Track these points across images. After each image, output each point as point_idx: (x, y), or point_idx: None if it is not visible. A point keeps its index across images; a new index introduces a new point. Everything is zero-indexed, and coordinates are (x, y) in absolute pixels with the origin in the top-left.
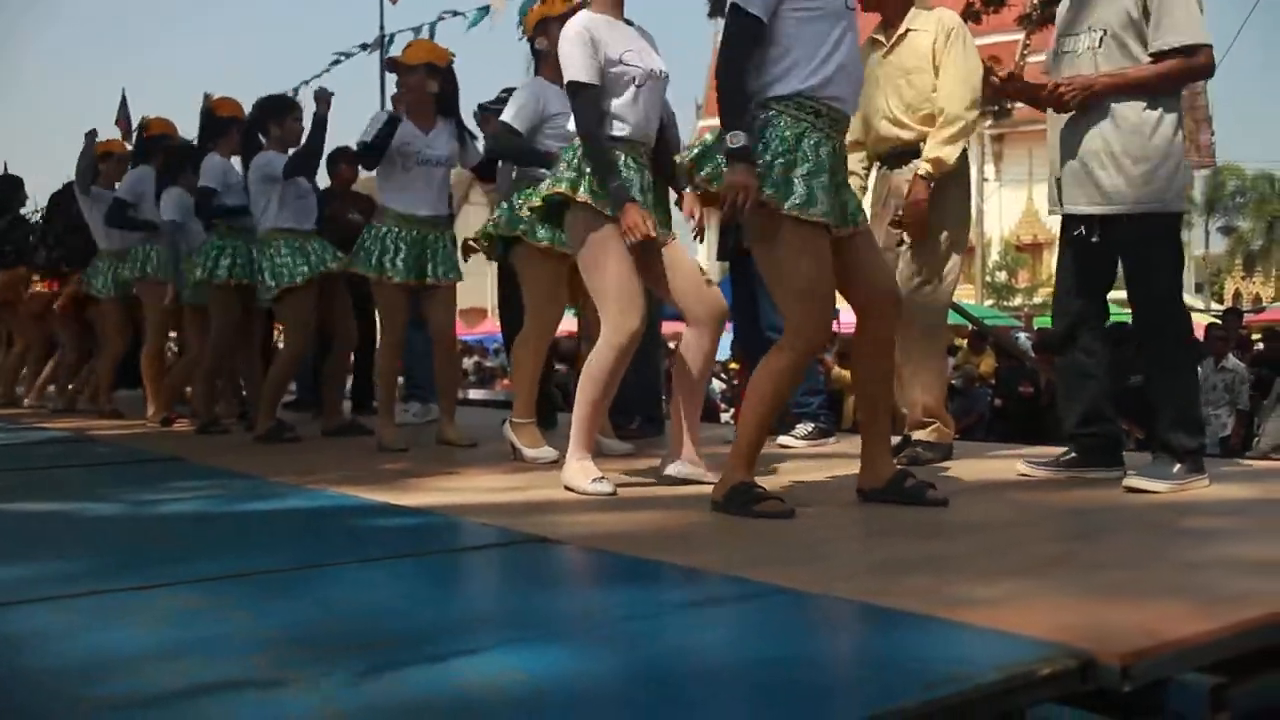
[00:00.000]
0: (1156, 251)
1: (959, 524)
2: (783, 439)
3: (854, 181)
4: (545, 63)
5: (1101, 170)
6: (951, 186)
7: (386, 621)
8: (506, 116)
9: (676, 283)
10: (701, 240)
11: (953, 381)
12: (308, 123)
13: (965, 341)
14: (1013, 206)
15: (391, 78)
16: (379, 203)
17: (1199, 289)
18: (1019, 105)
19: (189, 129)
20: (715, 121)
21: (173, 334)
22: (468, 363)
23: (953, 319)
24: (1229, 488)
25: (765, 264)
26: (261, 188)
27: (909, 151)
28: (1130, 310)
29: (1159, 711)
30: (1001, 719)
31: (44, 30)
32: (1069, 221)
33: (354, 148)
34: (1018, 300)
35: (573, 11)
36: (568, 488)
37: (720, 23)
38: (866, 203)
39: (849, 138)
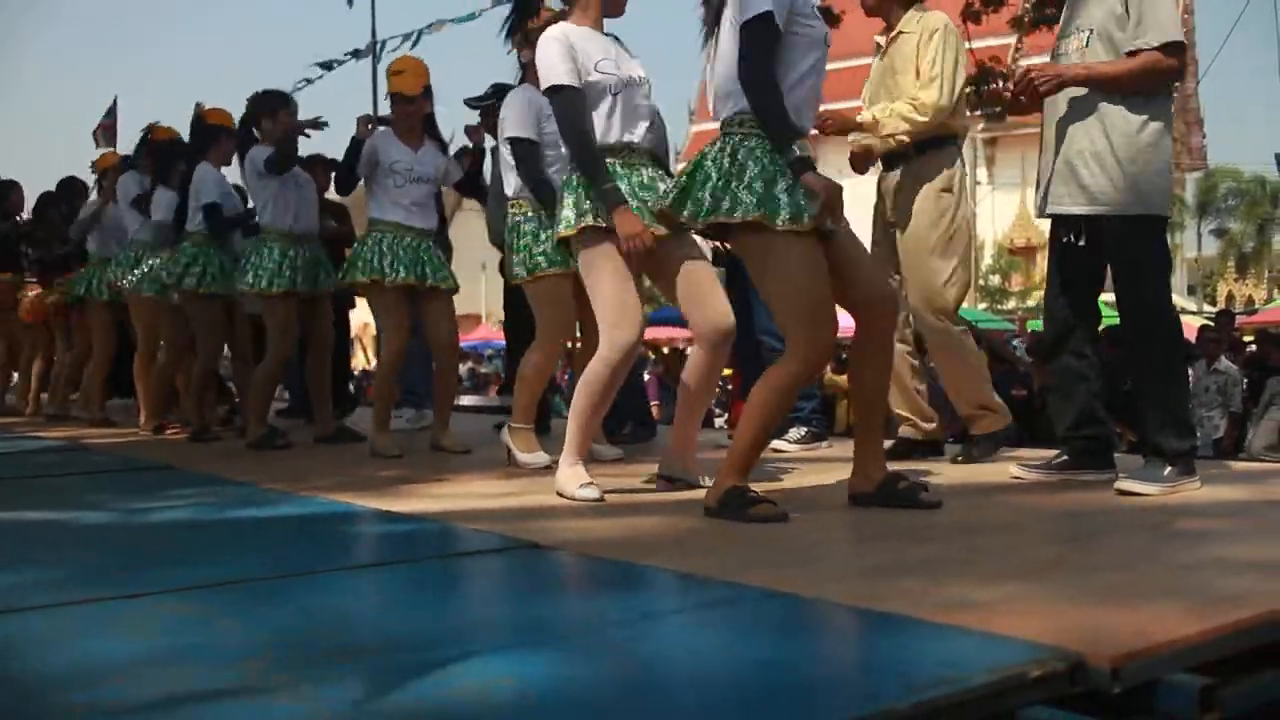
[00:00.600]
0: (1143, 254)
1: (951, 527)
2: (776, 443)
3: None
4: (530, 74)
5: (1086, 170)
6: (928, 189)
7: (378, 628)
8: (514, 132)
9: (685, 290)
10: None
11: (939, 383)
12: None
13: None
14: (1005, 210)
15: (383, 84)
16: (370, 216)
17: (1191, 291)
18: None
19: (187, 130)
20: (707, 126)
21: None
22: (461, 369)
23: None
24: (1221, 489)
25: (765, 284)
26: (260, 183)
27: (901, 153)
28: (1118, 313)
29: (1150, 712)
30: None
31: (44, 30)
32: (1057, 224)
33: (325, 156)
34: (1011, 304)
35: (552, 22)
36: (560, 494)
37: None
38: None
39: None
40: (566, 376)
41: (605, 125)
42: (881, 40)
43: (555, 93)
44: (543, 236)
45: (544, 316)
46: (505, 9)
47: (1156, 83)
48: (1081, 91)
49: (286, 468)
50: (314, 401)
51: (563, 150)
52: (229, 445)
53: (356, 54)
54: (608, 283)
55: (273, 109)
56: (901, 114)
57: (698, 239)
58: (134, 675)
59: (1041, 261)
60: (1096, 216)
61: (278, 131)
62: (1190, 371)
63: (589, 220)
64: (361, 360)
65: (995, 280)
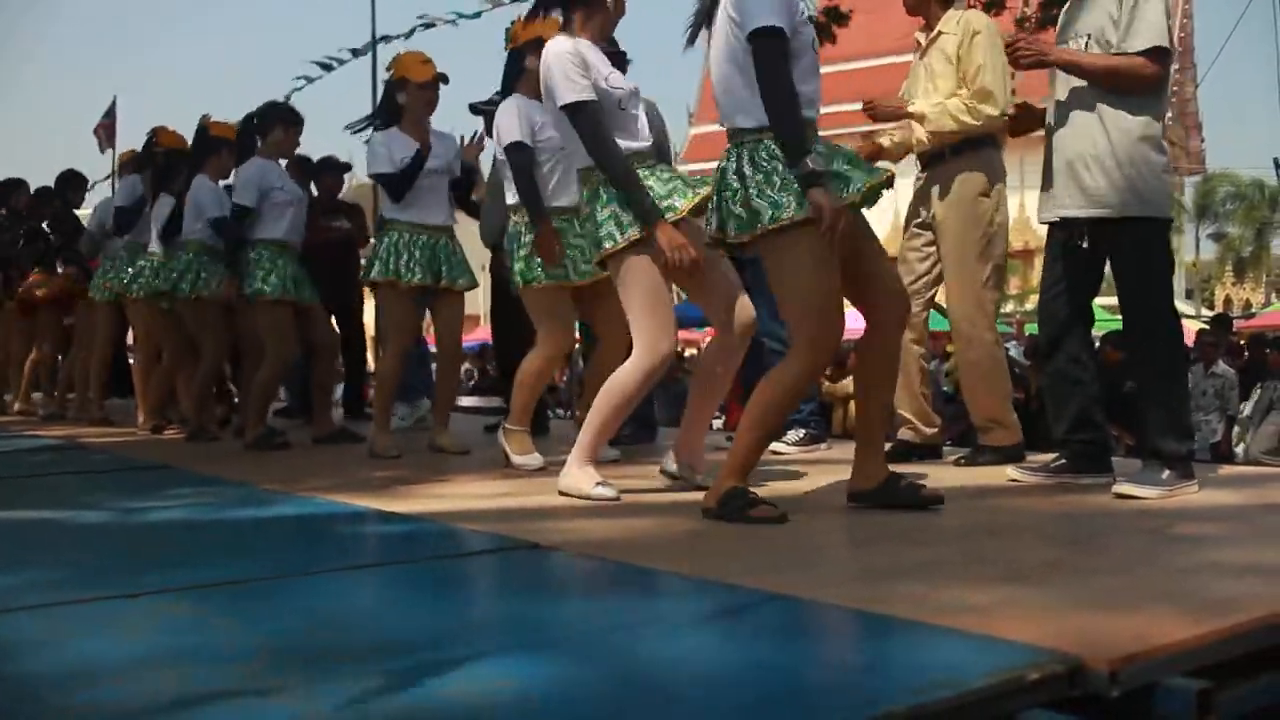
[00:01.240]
0: (1146, 257)
1: (950, 530)
2: (775, 445)
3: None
4: (526, 80)
5: (1087, 173)
6: (966, 192)
7: (376, 629)
8: (512, 137)
9: (722, 288)
10: None
11: (944, 388)
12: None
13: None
14: None
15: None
16: (383, 215)
17: (1190, 295)
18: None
19: (187, 131)
20: (707, 129)
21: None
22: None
23: (943, 324)
24: (1219, 493)
25: (778, 278)
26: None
27: (938, 154)
28: (1121, 316)
29: (1147, 716)
30: None
31: (44, 30)
32: (1055, 228)
33: (338, 159)
34: (1009, 306)
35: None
36: (564, 493)
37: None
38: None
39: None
40: (564, 379)
41: (619, 136)
42: (921, 39)
43: (579, 109)
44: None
45: (542, 326)
46: (505, 10)
47: (1136, 85)
48: (1082, 94)
49: (285, 468)
50: (315, 402)
51: (553, 160)
52: (227, 445)
53: (355, 53)
54: (650, 294)
55: (288, 122)
56: (953, 113)
57: None
58: (131, 676)
59: (1039, 265)
60: (1099, 220)
61: (285, 148)
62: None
63: (632, 232)
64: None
65: None
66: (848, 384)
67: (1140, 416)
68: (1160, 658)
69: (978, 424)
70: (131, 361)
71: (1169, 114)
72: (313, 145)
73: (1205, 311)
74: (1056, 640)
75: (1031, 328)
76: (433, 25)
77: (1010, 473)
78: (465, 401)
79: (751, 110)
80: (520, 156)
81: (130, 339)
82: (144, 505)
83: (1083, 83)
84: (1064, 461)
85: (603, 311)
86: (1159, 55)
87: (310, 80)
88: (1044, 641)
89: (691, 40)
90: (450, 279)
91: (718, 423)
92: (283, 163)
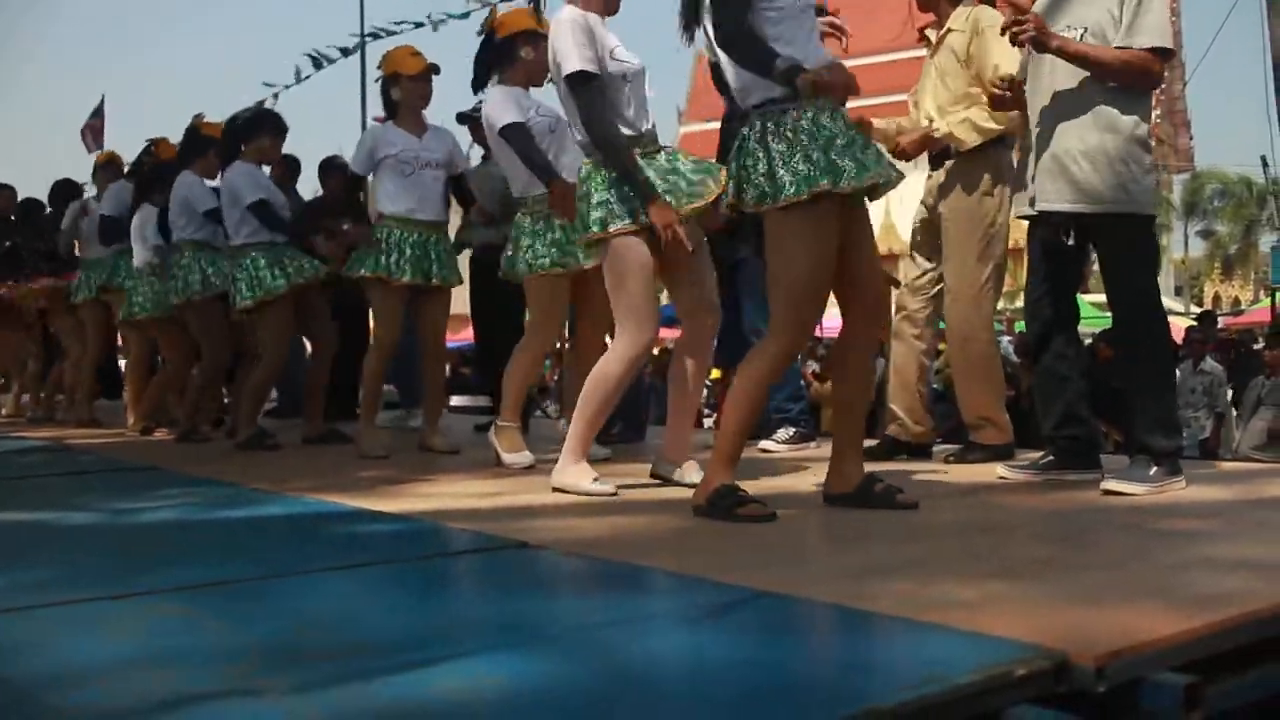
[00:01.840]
0: (1134, 250)
1: (938, 527)
2: (764, 443)
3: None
4: (518, 69)
5: (1077, 168)
6: (971, 191)
7: (365, 628)
8: (508, 118)
9: (695, 268)
10: None
11: (934, 385)
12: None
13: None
14: None
15: (373, 85)
16: (377, 209)
17: (1179, 292)
18: None
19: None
20: (696, 128)
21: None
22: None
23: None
24: (1206, 489)
25: (772, 257)
26: (235, 201)
27: (945, 152)
28: (1109, 312)
29: (1134, 711)
30: None
31: (44, 30)
32: (1036, 226)
33: (343, 159)
34: (1000, 304)
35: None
36: (558, 490)
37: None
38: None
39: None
40: (555, 378)
41: (624, 113)
42: (932, 36)
43: (582, 80)
44: (548, 236)
45: (539, 314)
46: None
47: (1139, 81)
48: (1070, 88)
49: (274, 468)
50: (307, 402)
51: (544, 143)
52: (216, 446)
53: (345, 52)
54: (635, 282)
55: (276, 131)
56: (975, 124)
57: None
58: (120, 677)
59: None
60: (1087, 214)
61: (269, 155)
62: (1176, 372)
63: (622, 224)
64: None
65: None
66: None
67: (1128, 413)
68: (1147, 653)
69: (969, 422)
70: (122, 364)
71: (1156, 112)
72: (318, 145)
73: (1194, 308)
74: (1043, 636)
75: (1021, 325)
76: (421, 25)
77: (1000, 471)
78: (454, 401)
79: (761, 86)
80: (519, 132)
81: (120, 341)
82: (133, 506)
83: (1072, 79)
84: (1052, 458)
85: (594, 297)
86: (1164, 55)
87: (305, 77)
88: (1031, 637)
89: (690, 38)
90: (441, 277)
91: (709, 421)
92: (266, 169)
